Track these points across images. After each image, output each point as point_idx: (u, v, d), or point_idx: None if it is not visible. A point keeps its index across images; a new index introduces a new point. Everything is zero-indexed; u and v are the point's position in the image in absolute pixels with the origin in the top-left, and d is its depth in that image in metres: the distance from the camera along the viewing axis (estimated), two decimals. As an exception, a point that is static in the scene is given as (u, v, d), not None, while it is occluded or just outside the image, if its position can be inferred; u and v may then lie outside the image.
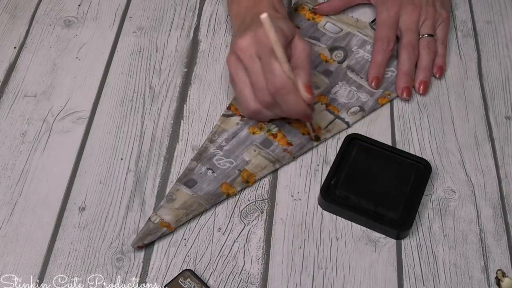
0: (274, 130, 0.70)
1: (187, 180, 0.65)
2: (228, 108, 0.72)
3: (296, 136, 0.69)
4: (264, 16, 0.58)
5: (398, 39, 0.77)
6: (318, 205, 0.64)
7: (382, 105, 0.73)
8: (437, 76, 0.75)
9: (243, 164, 0.67)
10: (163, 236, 0.61)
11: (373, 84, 0.74)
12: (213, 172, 0.66)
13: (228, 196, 0.64)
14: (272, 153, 0.68)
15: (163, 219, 0.62)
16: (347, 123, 0.71)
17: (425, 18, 0.77)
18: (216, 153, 0.68)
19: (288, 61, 0.61)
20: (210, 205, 0.64)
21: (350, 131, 0.70)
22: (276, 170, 0.67)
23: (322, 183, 0.65)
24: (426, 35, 0.76)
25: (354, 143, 0.68)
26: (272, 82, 0.61)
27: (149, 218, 0.62)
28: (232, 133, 0.69)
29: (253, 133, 0.69)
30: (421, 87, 0.74)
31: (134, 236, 0.61)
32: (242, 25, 0.68)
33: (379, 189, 0.64)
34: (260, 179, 0.66)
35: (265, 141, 0.69)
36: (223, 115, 0.71)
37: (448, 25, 0.79)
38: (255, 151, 0.68)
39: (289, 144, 0.69)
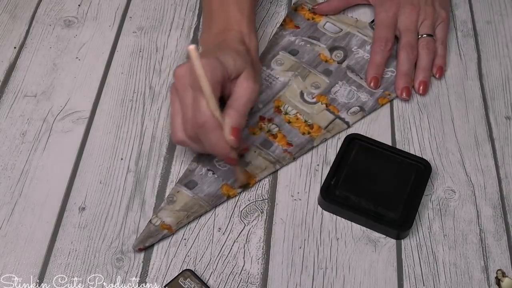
0: (274, 130, 0.70)
1: (187, 181, 0.65)
2: (228, 108, 0.72)
3: (296, 137, 0.69)
4: (191, 47, 0.55)
5: (397, 39, 0.77)
6: (318, 205, 0.64)
7: (382, 105, 0.73)
8: (437, 76, 0.75)
9: (243, 165, 0.66)
10: (163, 237, 0.61)
11: (371, 84, 0.74)
12: (213, 174, 0.66)
13: (229, 197, 0.64)
14: (273, 153, 0.68)
15: (164, 221, 0.62)
16: (347, 123, 0.71)
17: (424, 18, 0.76)
18: (216, 153, 0.68)
19: (217, 98, 0.59)
20: (211, 206, 0.64)
21: (350, 131, 0.70)
22: (276, 171, 0.67)
23: (322, 183, 0.65)
24: (425, 35, 0.76)
25: (354, 143, 0.68)
26: (195, 117, 0.59)
27: (150, 220, 0.62)
28: (232, 133, 0.69)
29: (253, 133, 0.69)
30: (421, 87, 0.74)
31: (134, 236, 0.61)
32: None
33: (379, 189, 0.64)
34: (260, 180, 0.66)
35: (265, 142, 0.69)
36: (223, 115, 0.71)
37: (448, 25, 0.79)
38: (255, 152, 0.68)
39: (289, 144, 0.69)
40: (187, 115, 0.60)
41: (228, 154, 0.61)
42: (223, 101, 0.62)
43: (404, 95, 0.73)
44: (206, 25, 0.72)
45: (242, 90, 0.61)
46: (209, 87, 0.57)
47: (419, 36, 0.76)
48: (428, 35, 0.76)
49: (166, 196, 0.64)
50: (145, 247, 0.60)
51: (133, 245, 0.61)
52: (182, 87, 0.60)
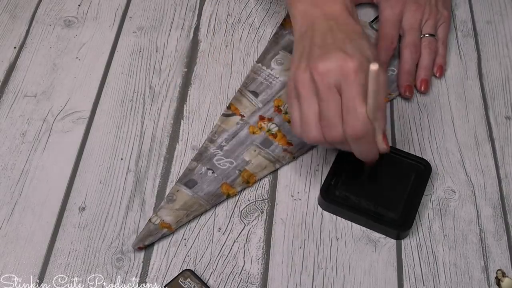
0: (274, 130, 0.70)
1: (187, 180, 0.65)
2: (228, 107, 0.72)
3: (296, 136, 0.69)
4: (374, 68, 0.51)
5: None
6: (318, 206, 0.64)
7: (382, 105, 0.73)
8: (437, 75, 0.76)
9: (243, 164, 0.67)
10: (163, 236, 0.61)
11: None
12: (213, 173, 0.66)
13: (229, 196, 0.64)
14: (272, 153, 0.68)
15: (163, 220, 0.62)
16: (347, 123, 0.71)
17: (428, 17, 0.77)
18: (216, 153, 0.68)
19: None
20: (211, 205, 0.64)
21: (350, 131, 0.70)
22: (276, 170, 0.67)
23: (322, 183, 0.65)
24: (427, 35, 0.76)
25: None
26: (352, 126, 0.55)
27: (150, 219, 0.62)
28: (232, 133, 0.69)
29: (253, 133, 0.69)
30: (423, 85, 0.74)
31: (134, 236, 0.61)
32: (312, 31, 0.60)
33: (379, 189, 0.64)
34: (260, 179, 0.66)
35: (265, 141, 0.69)
36: (223, 115, 0.71)
37: (449, 25, 0.79)
38: (255, 151, 0.68)
39: (289, 144, 0.69)
40: (331, 119, 0.56)
41: (375, 160, 0.60)
42: None
43: (407, 93, 0.73)
44: None
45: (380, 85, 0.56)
46: (376, 103, 0.54)
47: (422, 36, 0.76)
48: (431, 35, 0.76)
49: (165, 195, 0.64)
50: (144, 246, 0.60)
51: (132, 244, 0.61)
52: (325, 85, 0.56)
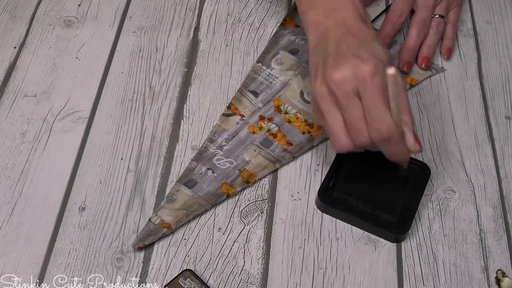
0: (274, 129, 0.70)
1: (187, 180, 0.65)
2: (228, 107, 0.72)
3: (296, 136, 0.69)
4: (392, 72, 0.53)
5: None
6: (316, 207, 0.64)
7: (382, 105, 0.73)
8: (445, 57, 0.77)
9: (243, 164, 0.67)
10: (163, 236, 0.61)
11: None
12: (213, 172, 0.66)
13: (229, 196, 0.64)
14: (272, 152, 0.68)
15: (163, 220, 0.62)
16: (347, 123, 0.71)
17: None
18: (216, 153, 0.68)
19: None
20: (211, 205, 0.64)
21: (350, 131, 0.70)
22: (276, 170, 0.67)
23: (320, 185, 0.65)
24: (437, 16, 0.77)
25: None
26: (378, 129, 0.55)
27: (150, 219, 0.62)
28: (232, 133, 0.69)
29: (253, 132, 0.69)
30: (423, 62, 0.76)
31: (134, 236, 0.61)
32: (325, 41, 0.60)
33: (377, 192, 0.64)
34: (260, 179, 0.66)
35: (265, 141, 0.69)
36: (223, 115, 0.71)
37: (460, 10, 0.80)
38: (255, 151, 0.68)
39: (289, 144, 0.69)
40: (357, 125, 0.56)
41: (407, 161, 0.61)
42: None
43: (405, 68, 0.75)
44: (306, 2, 0.64)
45: (399, 85, 0.56)
46: (407, 99, 0.56)
47: (432, 16, 0.77)
48: (441, 16, 0.78)
49: (165, 195, 0.64)
50: (144, 245, 0.60)
51: (132, 243, 0.61)
52: (343, 93, 0.56)
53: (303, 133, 0.69)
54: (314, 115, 0.65)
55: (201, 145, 0.69)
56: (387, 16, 0.77)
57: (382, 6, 0.83)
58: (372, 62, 0.56)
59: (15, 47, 0.78)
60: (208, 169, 0.66)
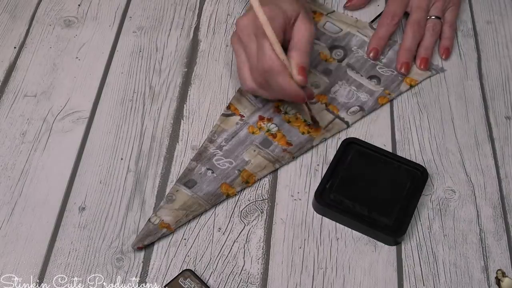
0: (274, 130, 0.70)
1: (187, 180, 0.65)
2: (228, 107, 0.72)
3: (295, 136, 0.69)
4: (254, 4, 0.60)
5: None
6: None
7: (382, 105, 0.73)
8: (443, 57, 0.77)
9: (243, 164, 0.67)
10: (163, 236, 0.61)
11: (371, 54, 0.76)
12: (212, 173, 0.66)
13: (228, 196, 0.64)
14: (272, 153, 0.68)
15: (163, 220, 0.62)
16: (346, 122, 0.71)
17: (436, 0, 0.78)
18: (215, 153, 0.68)
19: (280, 42, 0.62)
20: (210, 205, 0.64)
21: (350, 130, 0.70)
22: (276, 170, 0.67)
23: (317, 187, 0.65)
24: (433, 17, 0.78)
25: (351, 147, 0.67)
26: (262, 62, 0.63)
27: (149, 219, 0.62)
28: (232, 133, 0.69)
29: (253, 133, 0.70)
30: (422, 63, 0.76)
31: (134, 236, 0.61)
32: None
33: (375, 194, 0.64)
34: (260, 179, 0.66)
35: (265, 141, 0.69)
36: (223, 115, 0.71)
37: (458, 9, 0.81)
38: (254, 151, 0.68)
39: (289, 144, 0.69)
40: (252, 63, 0.64)
41: (297, 94, 0.64)
42: (284, 48, 0.65)
43: (402, 69, 0.75)
44: None
45: (302, 32, 0.65)
46: (273, 32, 0.61)
47: (428, 17, 0.78)
48: (437, 17, 0.78)
49: (165, 195, 0.64)
50: (144, 245, 0.60)
51: (132, 243, 0.61)
52: (246, 36, 0.64)
53: (303, 133, 0.69)
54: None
55: (201, 145, 0.69)
56: (381, 19, 0.78)
57: (382, 6, 0.83)
58: (270, 6, 0.63)
59: (15, 47, 0.78)
60: (208, 169, 0.66)
